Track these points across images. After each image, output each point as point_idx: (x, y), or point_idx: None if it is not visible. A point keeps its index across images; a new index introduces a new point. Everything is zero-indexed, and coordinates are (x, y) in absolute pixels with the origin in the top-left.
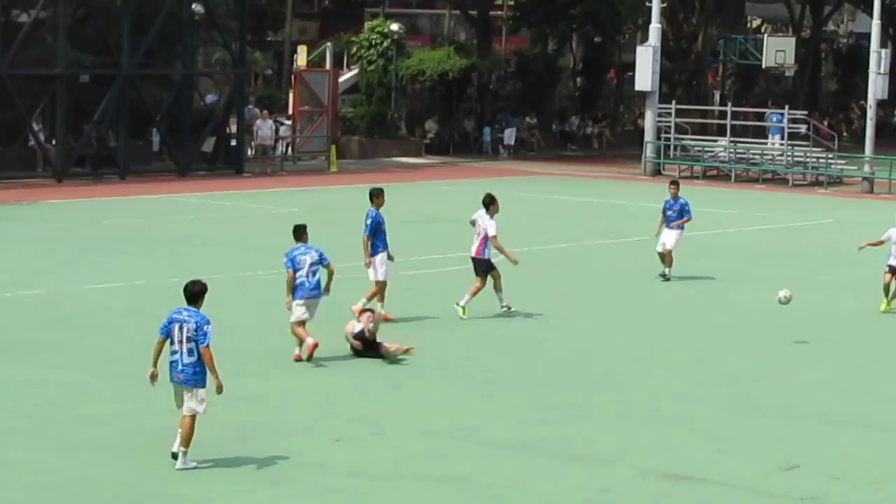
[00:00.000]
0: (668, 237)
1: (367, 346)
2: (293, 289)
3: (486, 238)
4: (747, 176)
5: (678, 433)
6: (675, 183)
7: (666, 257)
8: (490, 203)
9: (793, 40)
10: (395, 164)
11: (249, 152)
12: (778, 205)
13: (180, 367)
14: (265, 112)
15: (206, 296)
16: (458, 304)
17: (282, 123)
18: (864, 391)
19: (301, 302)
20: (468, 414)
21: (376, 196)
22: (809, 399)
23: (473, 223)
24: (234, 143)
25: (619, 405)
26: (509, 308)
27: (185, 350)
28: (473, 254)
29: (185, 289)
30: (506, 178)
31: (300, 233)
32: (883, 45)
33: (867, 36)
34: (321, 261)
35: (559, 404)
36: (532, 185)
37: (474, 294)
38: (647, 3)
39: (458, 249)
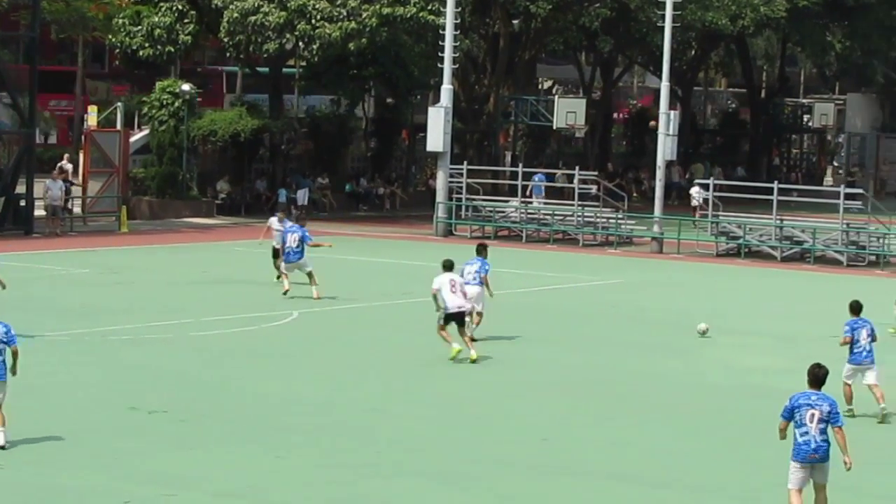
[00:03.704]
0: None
1: None
2: None
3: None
4: (538, 236)
5: (467, 493)
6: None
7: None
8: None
9: (583, 102)
10: (186, 225)
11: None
12: (568, 265)
13: None
14: (55, 172)
15: None
16: None
17: (72, 184)
18: (651, 449)
19: None
20: (260, 475)
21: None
22: (599, 457)
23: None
24: (23, 203)
25: (410, 465)
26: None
27: None
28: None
29: None
30: None
31: None
32: (672, 106)
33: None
34: (7, 341)
35: (350, 464)
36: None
37: None
38: (439, 65)
39: (247, 310)
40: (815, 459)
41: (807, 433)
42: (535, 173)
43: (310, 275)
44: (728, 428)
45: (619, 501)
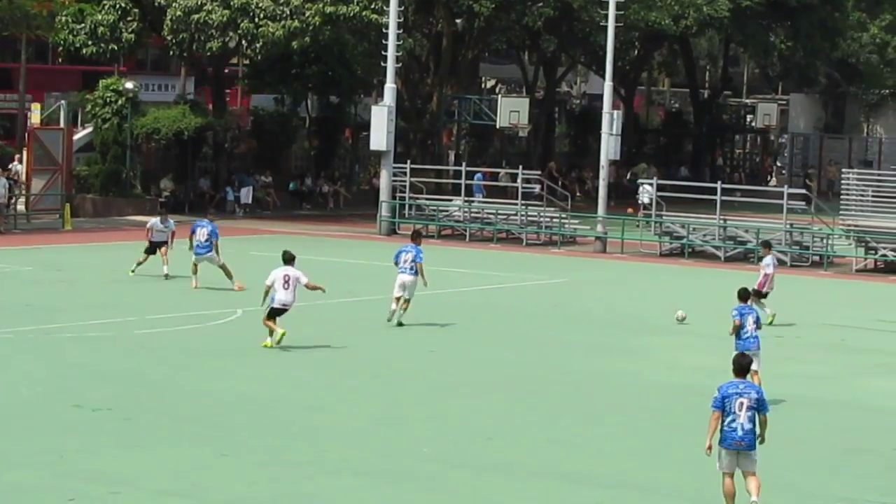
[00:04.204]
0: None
1: None
2: None
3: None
4: (482, 235)
5: (410, 492)
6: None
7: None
8: (293, 258)
9: (526, 101)
10: (129, 223)
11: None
12: (512, 264)
13: None
14: None
15: None
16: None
17: (15, 181)
18: (598, 448)
19: None
20: (203, 473)
21: None
22: (545, 457)
23: (286, 278)
24: None
25: (354, 463)
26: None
27: None
28: (290, 305)
29: None
30: (241, 238)
31: None
32: (615, 106)
33: (600, 97)
34: None
35: (294, 463)
36: (267, 245)
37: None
38: (383, 64)
39: (192, 308)
40: (741, 446)
41: (734, 421)
42: (476, 173)
43: (223, 268)
44: (673, 427)
45: (568, 501)
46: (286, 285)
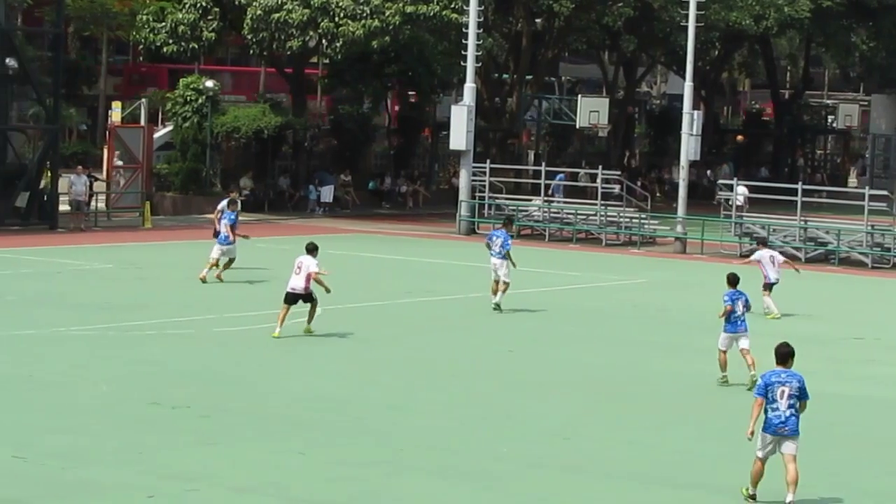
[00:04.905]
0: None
1: None
2: None
3: (309, 275)
4: (561, 235)
5: (488, 492)
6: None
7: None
8: (314, 249)
9: (606, 101)
10: (209, 221)
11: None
12: (591, 264)
13: None
14: (79, 168)
15: None
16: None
17: (96, 179)
18: (674, 450)
19: None
20: (280, 470)
21: None
22: (621, 457)
23: (300, 266)
24: (47, 198)
25: (432, 462)
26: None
27: None
28: (300, 290)
29: None
30: (320, 236)
31: None
32: (695, 106)
33: (679, 97)
34: None
35: (372, 461)
36: (346, 243)
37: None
38: (462, 63)
39: (270, 306)
40: (784, 432)
41: (777, 408)
42: (557, 173)
43: (230, 261)
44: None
45: (644, 502)
46: (297, 271)
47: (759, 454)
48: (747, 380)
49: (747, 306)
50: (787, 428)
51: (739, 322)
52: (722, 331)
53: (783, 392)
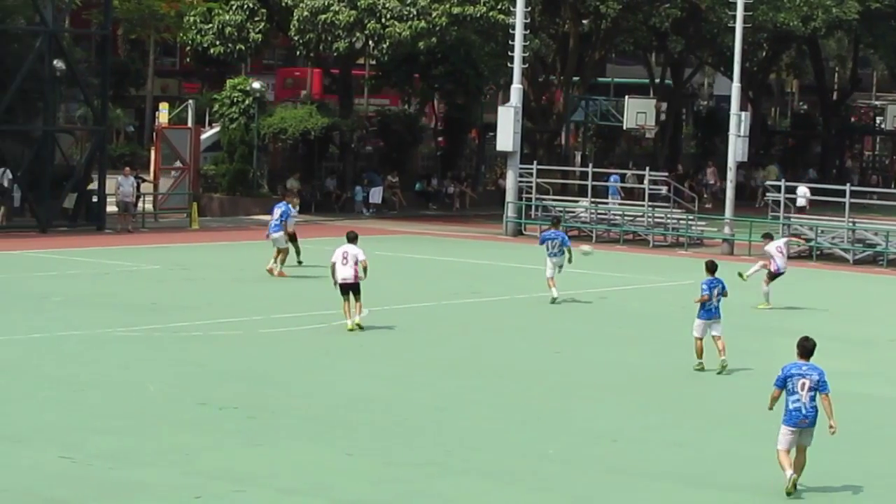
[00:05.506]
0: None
1: None
2: None
3: (357, 264)
4: (608, 236)
5: (536, 493)
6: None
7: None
8: (356, 237)
9: (653, 102)
10: (256, 222)
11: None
12: (638, 266)
13: None
14: (126, 169)
15: None
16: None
17: (143, 180)
18: (723, 452)
19: None
20: (327, 472)
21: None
22: (670, 460)
23: (345, 255)
24: (95, 199)
25: (480, 464)
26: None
27: None
28: (351, 279)
29: None
30: (367, 237)
31: None
32: (742, 107)
33: (727, 98)
34: None
35: (418, 463)
36: (393, 244)
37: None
38: (509, 64)
39: (317, 307)
40: (804, 424)
41: (798, 400)
42: (610, 174)
43: (280, 252)
44: None
45: None
46: (345, 261)
47: (782, 447)
48: (717, 365)
49: (723, 293)
50: (807, 420)
51: (713, 309)
52: (696, 317)
53: (804, 384)
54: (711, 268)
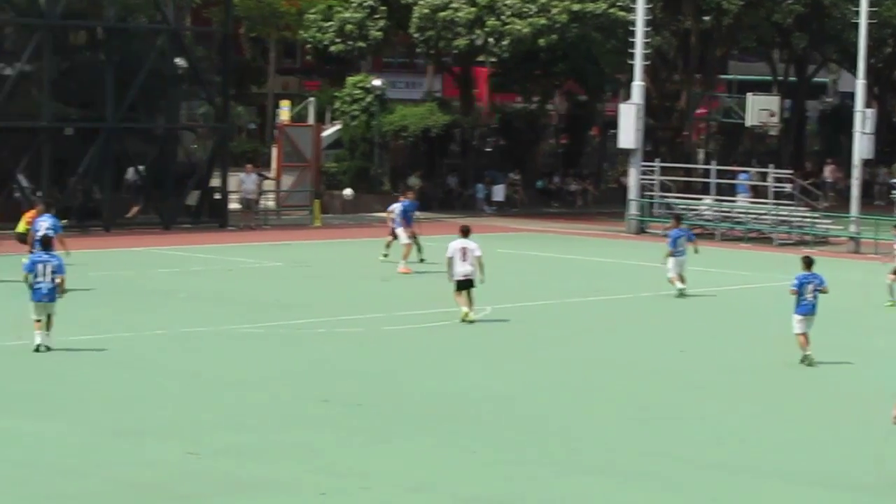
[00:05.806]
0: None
1: None
2: None
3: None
4: (732, 235)
5: (661, 493)
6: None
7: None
8: (469, 230)
9: (777, 99)
10: (378, 220)
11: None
12: (763, 264)
13: None
14: (249, 166)
15: None
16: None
17: (265, 177)
18: (855, 452)
19: None
20: (454, 470)
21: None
22: (800, 459)
23: (464, 251)
24: (217, 196)
25: (606, 463)
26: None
27: None
28: (471, 275)
29: None
30: (489, 235)
31: None
32: (868, 104)
33: (852, 95)
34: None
35: (542, 461)
36: (515, 242)
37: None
38: (630, 62)
39: (440, 305)
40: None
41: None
42: (740, 172)
43: (389, 244)
44: None
45: None
46: (464, 257)
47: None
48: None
49: (819, 289)
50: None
51: (809, 305)
52: (794, 313)
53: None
54: (808, 263)
